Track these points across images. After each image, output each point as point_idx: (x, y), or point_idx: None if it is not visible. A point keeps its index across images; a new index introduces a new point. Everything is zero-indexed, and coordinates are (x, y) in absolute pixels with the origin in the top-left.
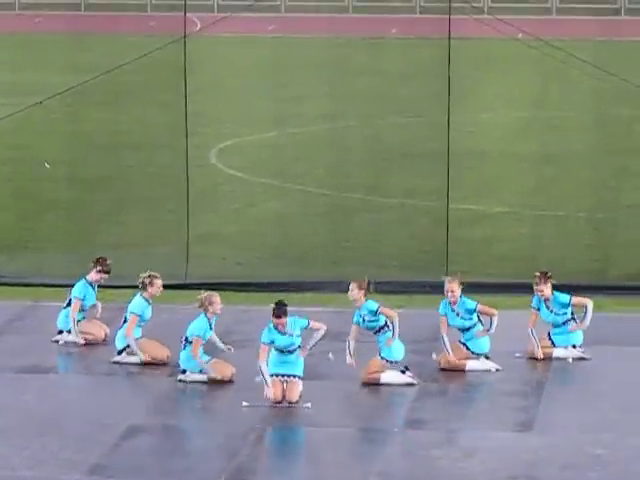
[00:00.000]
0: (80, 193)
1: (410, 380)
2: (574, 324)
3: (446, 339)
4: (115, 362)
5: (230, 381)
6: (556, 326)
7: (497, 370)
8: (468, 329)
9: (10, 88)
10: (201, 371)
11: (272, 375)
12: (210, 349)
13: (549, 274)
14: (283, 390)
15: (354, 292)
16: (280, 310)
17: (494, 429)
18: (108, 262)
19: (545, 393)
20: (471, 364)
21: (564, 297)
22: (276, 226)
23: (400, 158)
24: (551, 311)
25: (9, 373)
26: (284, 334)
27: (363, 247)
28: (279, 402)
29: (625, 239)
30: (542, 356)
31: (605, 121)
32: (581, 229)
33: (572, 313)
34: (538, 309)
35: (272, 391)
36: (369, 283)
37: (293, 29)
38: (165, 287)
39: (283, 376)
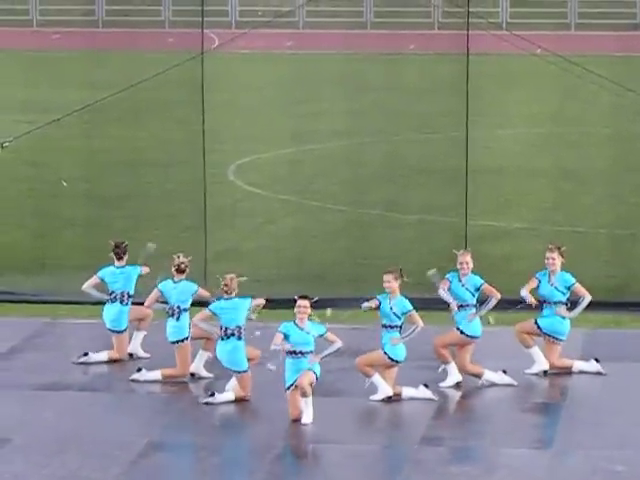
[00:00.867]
0: (98, 210)
1: (430, 396)
2: (564, 308)
3: (443, 293)
4: (133, 380)
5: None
6: (547, 303)
7: (510, 385)
8: (465, 307)
9: (28, 105)
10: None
11: (288, 388)
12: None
13: (563, 248)
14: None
15: (391, 283)
16: (304, 296)
17: (513, 446)
18: (121, 243)
19: (563, 410)
20: (488, 375)
21: (570, 278)
22: (294, 242)
23: (418, 174)
24: (552, 285)
25: (28, 390)
26: (302, 330)
27: (381, 263)
28: (296, 419)
29: None
30: (534, 301)
31: (623, 137)
32: (600, 245)
33: (568, 300)
34: (540, 281)
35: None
36: (401, 270)
37: (311, 45)
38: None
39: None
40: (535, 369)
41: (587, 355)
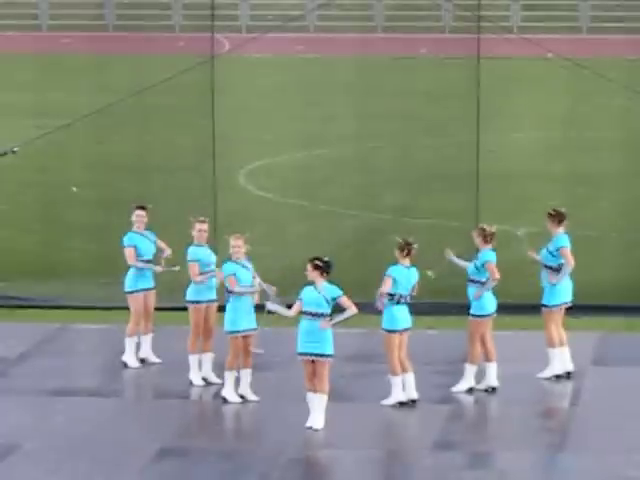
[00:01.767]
0: (107, 216)
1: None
2: (554, 275)
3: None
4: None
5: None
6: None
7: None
8: (471, 281)
9: (37, 110)
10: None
11: (300, 354)
12: None
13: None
14: (313, 369)
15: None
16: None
17: (526, 450)
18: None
19: (576, 414)
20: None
21: (564, 239)
22: (305, 247)
23: (429, 179)
24: (548, 250)
25: (39, 396)
26: (317, 290)
27: None
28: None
29: None
30: (536, 256)
31: (636, 140)
32: (613, 250)
33: (560, 265)
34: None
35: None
36: (407, 243)
37: (322, 49)
38: None
39: (311, 355)
40: (547, 373)
41: (599, 359)
